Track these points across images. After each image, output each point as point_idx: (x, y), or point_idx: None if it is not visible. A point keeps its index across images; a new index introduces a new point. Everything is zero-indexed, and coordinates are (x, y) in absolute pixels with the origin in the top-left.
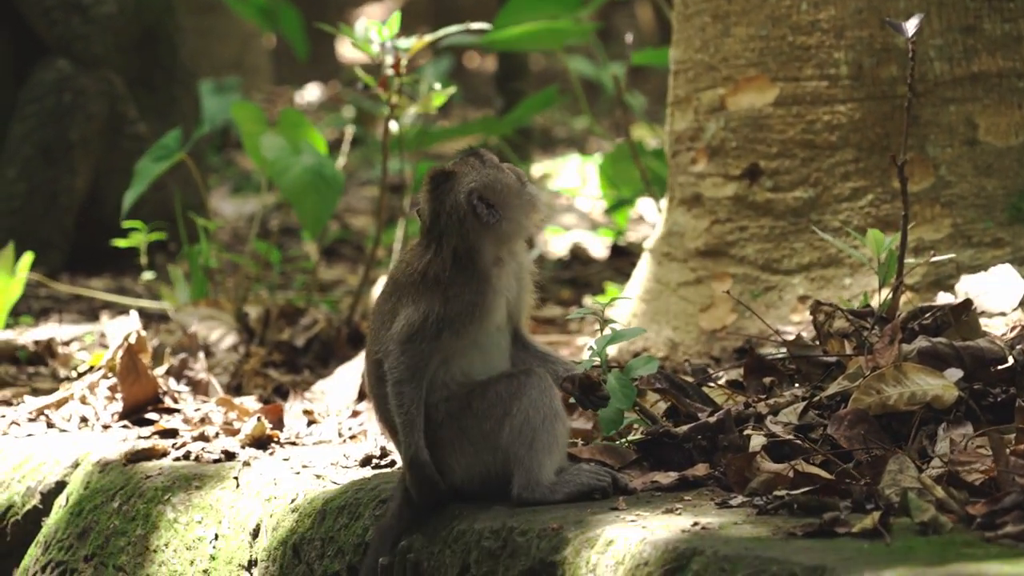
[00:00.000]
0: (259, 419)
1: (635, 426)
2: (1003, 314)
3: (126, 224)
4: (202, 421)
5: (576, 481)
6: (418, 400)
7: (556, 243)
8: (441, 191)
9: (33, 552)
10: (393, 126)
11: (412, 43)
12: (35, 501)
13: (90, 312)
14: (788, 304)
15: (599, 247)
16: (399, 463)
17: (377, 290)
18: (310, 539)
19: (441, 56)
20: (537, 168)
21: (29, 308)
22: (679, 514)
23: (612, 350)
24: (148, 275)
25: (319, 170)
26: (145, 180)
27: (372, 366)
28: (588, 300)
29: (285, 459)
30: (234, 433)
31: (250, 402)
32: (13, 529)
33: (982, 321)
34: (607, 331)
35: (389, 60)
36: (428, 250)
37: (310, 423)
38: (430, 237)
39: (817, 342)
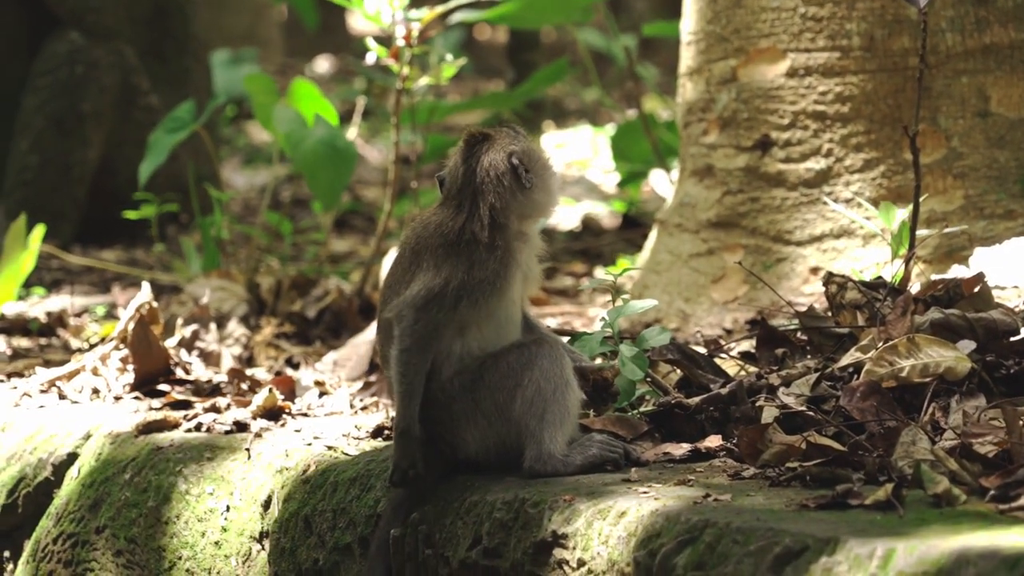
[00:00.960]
0: (271, 390)
1: (647, 397)
2: (1016, 287)
3: (138, 195)
4: (213, 392)
5: (588, 453)
6: (422, 371)
7: (567, 214)
8: (478, 151)
9: (45, 524)
10: (404, 98)
11: (423, 14)
12: (47, 473)
13: (102, 283)
14: (800, 275)
15: (610, 218)
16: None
17: (388, 261)
18: (322, 511)
19: (452, 28)
20: (549, 140)
21: (41, 280)
22: (691, 486)
23: (624, 321)
24: (160, 247)
25: (332, 142)
26: (161, 152)
27: (383, 324)
28: (599, 271)
29: (297, 430)
30: (246, 404)
31: (262, 373)
32: (25, 501)
33: (995, 293)
34: (619, 302)
35: (400, 31)
36: (461, 211)
37: (322, 394)
38: (461, 197)
39: (829, 313)
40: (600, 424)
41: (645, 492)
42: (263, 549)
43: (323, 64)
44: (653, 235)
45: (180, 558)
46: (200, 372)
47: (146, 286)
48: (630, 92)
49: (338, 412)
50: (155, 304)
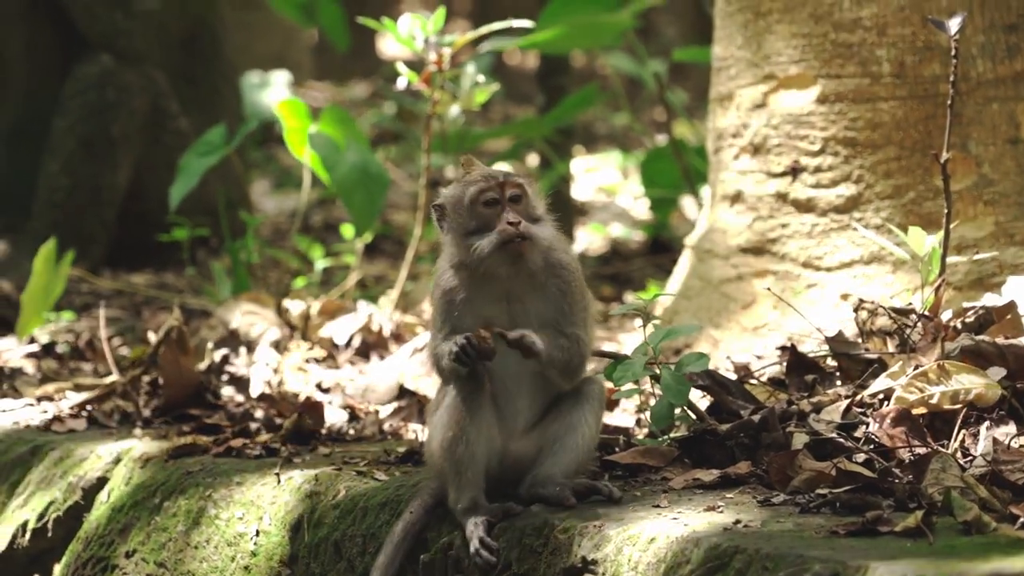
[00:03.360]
0: (300, 415)
1: (677, 423)
2: None
3: (171, 219)
4: (243, 417)
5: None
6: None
7: (597, 239)
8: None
9: (74, 548)
10: (435, 122)
11: (455, 39)
12: (76, 497)
13: (132, 307)
14: (830, 301)
15: (639, 243)
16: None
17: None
18: (351, 535)
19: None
20: (578, 165)
21: (71, 303)
22: (721, 512)
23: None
24: (190, 270)
25: (365, 167)
26: (193, 176)
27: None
28: (630, 296)
29: (326, 455)
30: (275, 429)
31: (291, 398)
32: (55, 525)
33: None
34: (652, 327)
35: (432, 56)
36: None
37: (351, 419)
38: None
39: (859, 340)
40: (630, 457)
41: (675, 518)
42: (292, 574)
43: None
44: (683, 260)
45: None
46: (230, 396)
47: (176, 310)
48: (660, 117)
49: (368, 437)
50: (185, 328)
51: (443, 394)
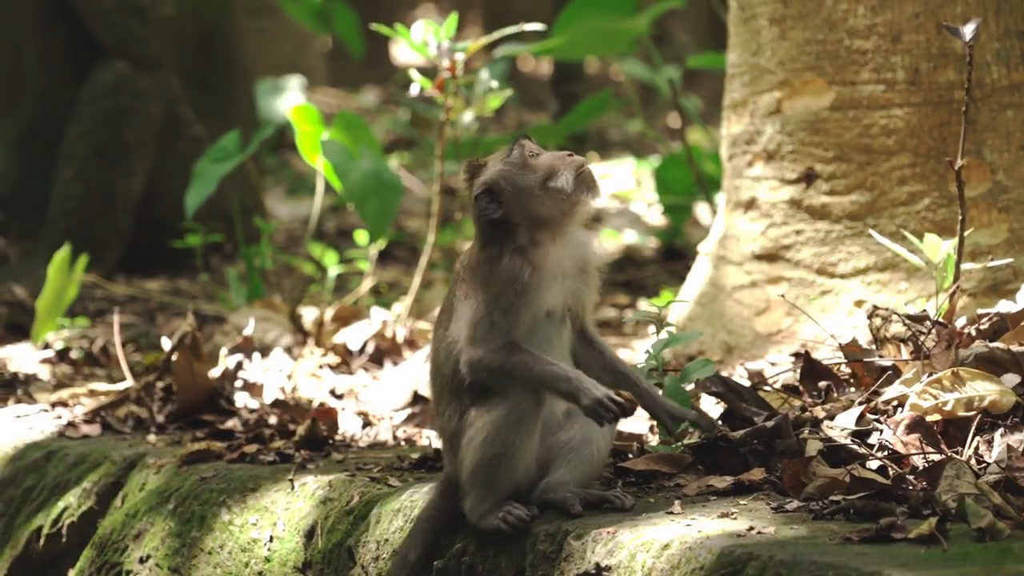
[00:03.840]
0: (314, 421)
1: (691, 430)
2: None
3: (186, 225)
4: (257, 423)
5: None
6: (529, 356)
7: (611, 246)
8: (474, 181)
9: (88, 553)
10: (448, 128)
11: (468, 45)
12: (91, 502)
13: (146, 313)
14: (844, 308)
15: (653, 250)
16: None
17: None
18: (365, 542)
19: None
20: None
21: (85, 309)
22: (734, 518)
23: (667, 353)
24: (204, 277)
25: (378, 174)
26: (209, 182)
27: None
28: (643, 303)
29: (340, 461)
30: (289, 435)
31: (305, 404)
32: (69, 530)
33: None
34: (663, 335)
35: (445, 62)
36: (478, 238)
37: (365, 425)
38: (475, 225)
39: (873, 346)
40: (644, 464)
41: (688, 524)
42: None
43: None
44: (696, 267)
45: None
46: (244, 403)
47: (190, 316)
48: (674, 124)
49: (381, 443)
50: (199, 334)
51: (484, 405)
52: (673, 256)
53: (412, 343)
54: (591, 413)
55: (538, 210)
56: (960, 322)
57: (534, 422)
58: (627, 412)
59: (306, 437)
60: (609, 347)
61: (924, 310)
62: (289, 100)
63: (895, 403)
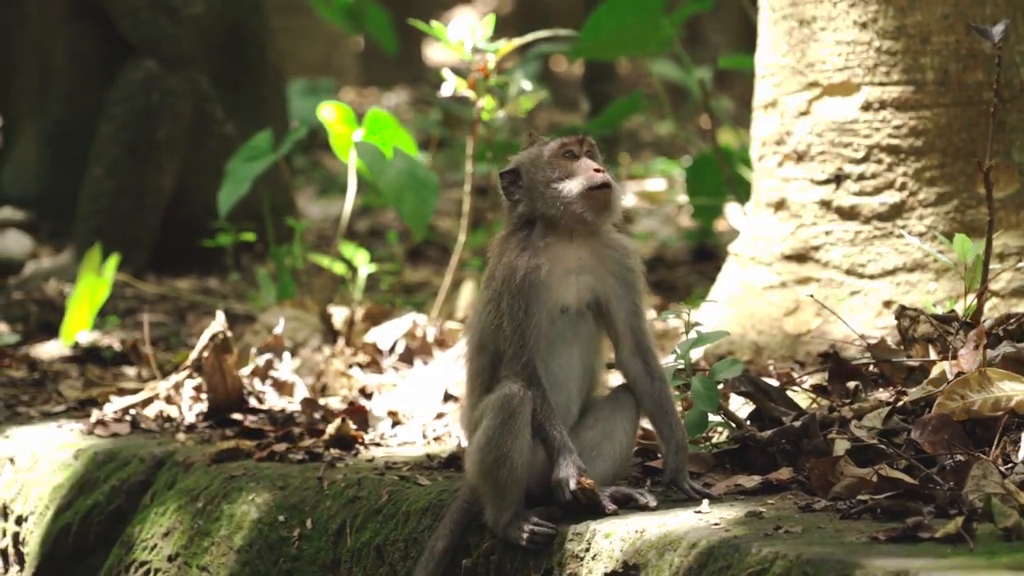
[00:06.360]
0: (344, 420)
1: (719, 429)
2: None
3: (218, 224)
4: (287, 422)
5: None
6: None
7: (642, 247)
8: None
9: (117, 551)
10: (481, 128)
11: (502, 45)
12: (120, 500)
13: (176, 312)
14: (873, 309)
15: (684, 251)
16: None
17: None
18: (394, 540)
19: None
20: (623, 172)
21: (115, 308)
22: (762, 517)
23: (697, 353)
24: (235, 275)
25: (413, 172)
26: (242, 182)
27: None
28: (674, 304)
29: (369, 460)
30: (319, 434)
31: (335, 403)
32: (98, 528)
33: None
34: (692, 335)
35: (478, 62)
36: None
37: (394, 424)
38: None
39: (901, 347)
40: None
41: (716, 523)
42: None
43: (399, 95)
44: (727, 267)
45: None
46: (273, 401)
47: (220, 315)
48: (705, 125)
49: (411, 442)
50: (229, 333)
51: (479, 410)
52: (704, 256)
53: (442, 342)
54: (554, 486)
55: (543, 207)
56: (988, 323)
57: (523, 417)
58: (580, 504)
59: (336, 436)
60: (662, 374)
61: (952, 310)
62: (322, 100)
63: (923, 403)
